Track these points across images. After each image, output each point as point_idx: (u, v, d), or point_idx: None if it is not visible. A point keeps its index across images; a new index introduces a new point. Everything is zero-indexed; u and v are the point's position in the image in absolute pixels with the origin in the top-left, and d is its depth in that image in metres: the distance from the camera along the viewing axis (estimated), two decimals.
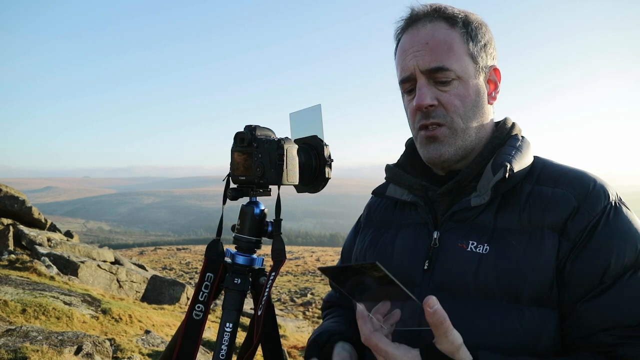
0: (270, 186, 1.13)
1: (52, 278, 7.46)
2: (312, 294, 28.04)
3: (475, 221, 0.98)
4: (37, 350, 3.41)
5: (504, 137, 1.05)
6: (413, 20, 1.03)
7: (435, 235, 1.01)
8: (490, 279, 0.91)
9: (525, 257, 0.90)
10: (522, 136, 1.07)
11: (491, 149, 1.03)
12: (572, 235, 0.89)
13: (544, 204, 0.93)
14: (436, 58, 0.98)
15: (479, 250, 0.94)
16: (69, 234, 13.91)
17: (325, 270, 0.79)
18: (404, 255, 1.05)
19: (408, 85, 1.03)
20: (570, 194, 0.92)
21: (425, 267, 0.99)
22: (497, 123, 1.11)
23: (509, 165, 0.95)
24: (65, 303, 5.65)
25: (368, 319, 0.81)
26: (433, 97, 0.99)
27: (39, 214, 12.29)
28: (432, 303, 0.74)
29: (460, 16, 1.01)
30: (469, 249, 0.95)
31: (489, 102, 1.05)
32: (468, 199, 0.99)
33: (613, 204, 0.92)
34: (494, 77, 1.06)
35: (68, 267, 8.91)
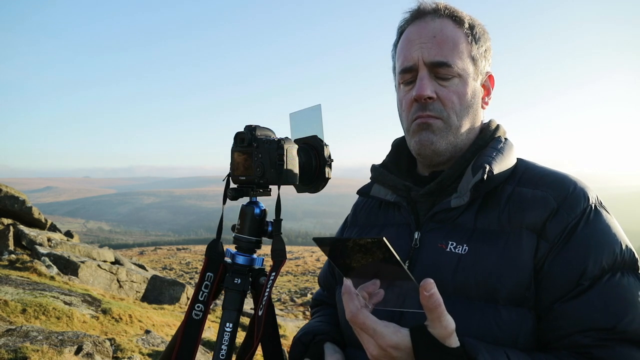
0: (270, 186, 1.13)
1: (52, 278, 7.46)
2: (312, 294, 28.03)
3: (455, 222, 0.99)
4: (37, 350, 3.42)
5: (487, 139, 1.06)
6: (420, 14, 1.04)
7: (416, 236, 1.02)
8: (468, 279, 0.91)
9: (502, 257, 0.90)
10: (505, 138, 1.08)
11: (474, 150, 1.04)
12: (551, 236, 0.90)
13: (523, 205, 0.94)
14: (441, 53, 0.99)
15: (458, 250, 0.94)
16: (69, 234, 13.91)
17: (320, 241, 0.76)
18: None
19: (408, 76, 1.03)
20: (550, 195, 0.93)
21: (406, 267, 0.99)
22: (483, 125, 1.12)
23: (488, 167, 0.96)
24: (65, 303, 5.65)
25: (355, 295, 0.77)
26: (433, 90, 0.99)
27: (39, 214, 12.29)
28: (429, 287, 0.73)
29: (467, 19, 1.03)
30: (448, 249, 0.96)
31: (482, 106, 1.08)
32: (448, 199, 1.00)
33: (593, 207, 0.92)
34: (488, 83, 1.09)
35: (68, 267, 8.92)
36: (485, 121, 1.12)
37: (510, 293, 0.88)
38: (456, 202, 0.98)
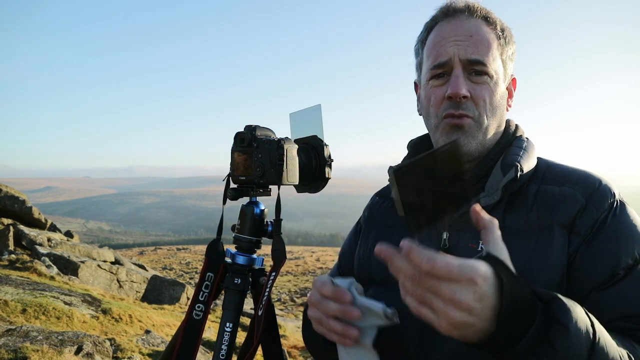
0: (270, 186, 1.13)
1: (52, 278, 7.46)
2: None
3: None
4: (37, 350, 3.41)
5: (510, 139, 1.07)
6: (454, 12, 1.04)
7: (444, 236, 1.01)
8: None
9: (534, 255, 0.91)
10: (526, 137, 1.09)
11: (498, 149, 1.05)
12: (582, 231, 0.92)
13: (552, 203, 0.95)
14: (477, 52, 1.00)
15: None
16: (69, 234, 13.92)
17: (399, 170, 0.65)
18: None
19: (440, 70, 1.03)
20: (577, 191, 0.95)
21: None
22: None
23: (519, 165, 0.97)
24: (65, 303, 5.65)
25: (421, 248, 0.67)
26: (467, 89, 1.00)
27: (39, 214, 12.29)
28: (479, 208, 0.73)
29: (498, 22, 1.04)
30: (479, 249, 0.95)
31: (506, 108, 1.09)
32: (477, 199, 0.99)
33: (619, 201, 0.95)
34: (511, 87, 1.10)
35: (68, 267, 8.92)
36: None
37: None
38: (485, 201, 0.98)
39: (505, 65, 1.05)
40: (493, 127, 1.04)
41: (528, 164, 1.00)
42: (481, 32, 1.01)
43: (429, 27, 1.08)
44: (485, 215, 0.73)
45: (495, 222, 0.73)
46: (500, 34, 1.03)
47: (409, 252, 0.66)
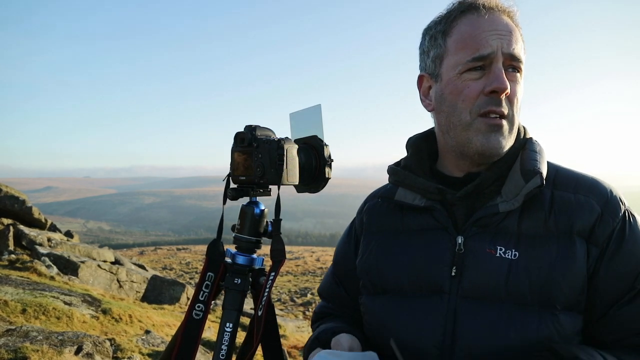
0: (270, 186, 1.13)
1: (52, 278, 7.46)
2: (312, 294, 28.02)
3: (499, 226, 0.96)
4: (37, 350, 3.41)
5: (522, 141, 1.05)
6: (489, 8, 0.98)
7: (459, 241, 0.98)
8: (522, 285, 0.91)
9: (557, 263, 0.91)
10: (535, 140, 1.07)
11: (511, 152, 1.01)
12: (600, 241, 0.92)
13: (568, 210, 0.94)
14: (518, 48, 0.97)
15: (508, 255, 0.93)
16: (69, 234, 13.91)
17: None
18: (427, 262, 1.00)
19: (480, 63, 0.96)
20: (593, 200, 0.94)
21: (453, 274, 0.96)
22: None
23: (543, 173, 0.95)
24: (65, 303, 5.65)
25: None
26: (508, 85, 0.96)
27: (39, 214, 12.29)
28: None
29: (520, 26, 1.02)
30: (497, 255, 0.94)
31: None
32: (494, 203, 0.97)
33: (629, 211, 0.95)
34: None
35: (68, 267, 8.91)
36: None
37: (567, 298, 0.90)
38: (505, 206, 0.96)
39: (524, 64, 1.02)
40: (517, 126, 1.02)
41: (544, 170, 0.98)
42: (516, 31, 0.99)
43: (453, 18, 1.00)
44: None
45: None
46: (522, 35, 1.01)
47: None
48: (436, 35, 1.03)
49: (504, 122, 0.97)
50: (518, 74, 0.98)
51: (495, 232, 0.96)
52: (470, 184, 1.00)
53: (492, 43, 0.95)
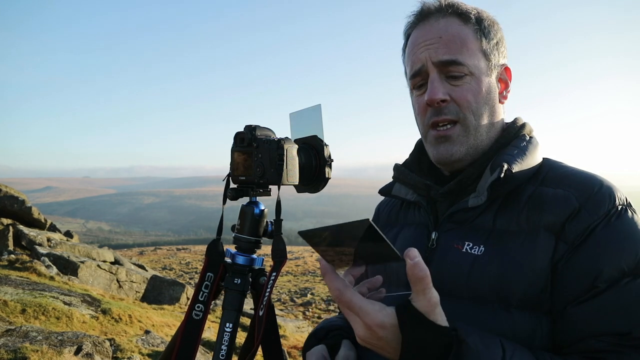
0: (270, 186, 1.12)
1: (52, 278, 7.45)
2: (312, 294, 28.02)
3: (474, 222, 0.96)
4: (37, 350, 3.41)
5: (511, 137, 1.03)
6: (425, 15, 1.01)
7: (433, 236, 0.99)
8: (482, 282, 0.88)
9: (515, 258, 0.87)
10: (530, 137, 1.04)
11: (496, 149, 1.01)
12: (570, 237, 0.86)
13: (542, 205, 0.90)
14: (450, 51, 0.96)
15: (474, 251, 0.92)
16: (68, 234, 13.91)
17: (306, 234, 0.71)
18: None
19: (419, 79, 1.00)
20: (572, 194, 0.89)
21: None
22: (507, 123, 1.08)
23: (505, 166, 0.92)
24: (65, 303, 5.64)
25: (336, 275, 0.74)
26: (445, 92, 0.96)
27: (39, 214, 12.29)
28: (414, 255, 0.70)
29: (473, 13, 1.00)
30: (464, 250, 0.93)
31: (500, 101, 1.03)
32: (466, 199, 0.97)
33: (619, 209, 0.87)
34: (504, 76, 1.04)
35: (68, 267, 8.91)
36: (507, 118, 1.08)
37: (523, 296, 0.85)
38: (474, 201, 0.94)
39: (488, 57, 0.99)
40: (484, 125, 0.99)
41: (522, 164, 0.95)
42: (451, 29, 0.97)
43: (407, 35, 1.05)
44: (417, 267, 0.70)
45: (428, 273, 0.71)
46: (476, 26, 0.99)
47: (324, 276, 0.74)
48: (402, 54, 1.09)
49: (456, 129, 0.98)
50: (465, 76, 0.96)
51: (470, 228, 0.96)
52: (452, 181, 1.01)
53: (420, 57, 0.98)
